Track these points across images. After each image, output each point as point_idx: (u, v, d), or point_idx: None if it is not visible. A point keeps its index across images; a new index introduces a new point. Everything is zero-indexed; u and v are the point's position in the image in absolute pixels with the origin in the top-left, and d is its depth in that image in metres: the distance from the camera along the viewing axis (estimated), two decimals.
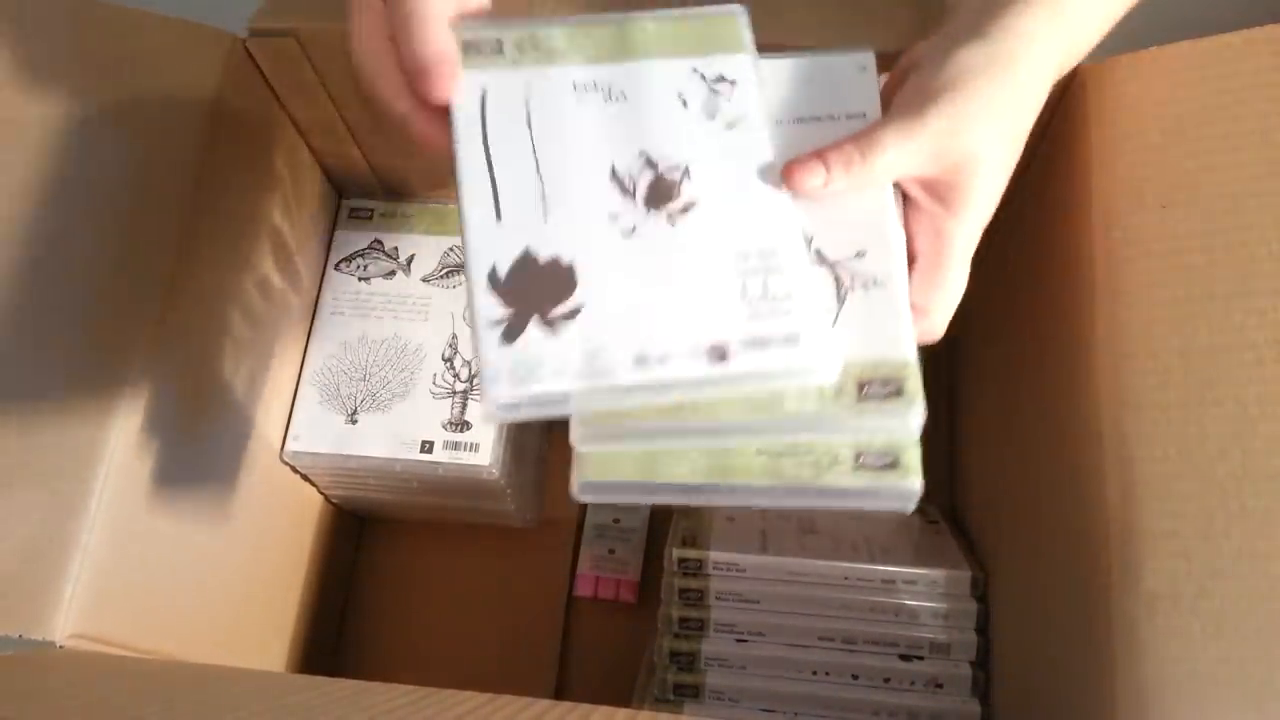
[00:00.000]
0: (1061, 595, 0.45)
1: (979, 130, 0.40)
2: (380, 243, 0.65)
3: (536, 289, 0.39)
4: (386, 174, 0.65)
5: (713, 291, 0.39)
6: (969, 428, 0.67)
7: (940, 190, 0.41)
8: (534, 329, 0.39)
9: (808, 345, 0.38)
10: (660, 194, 0.41)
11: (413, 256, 0.64)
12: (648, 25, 0.44)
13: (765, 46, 0.50)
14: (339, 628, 0.72)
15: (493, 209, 0.41)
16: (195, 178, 0.50)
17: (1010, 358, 0.58)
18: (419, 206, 0.66)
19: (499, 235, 0.40)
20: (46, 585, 0.42)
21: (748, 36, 0.44)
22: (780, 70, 0.46)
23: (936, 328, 0.43)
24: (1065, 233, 0.48)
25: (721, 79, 0.43)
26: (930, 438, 0.68)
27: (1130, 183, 0.44)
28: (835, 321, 0.41)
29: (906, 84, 0.42)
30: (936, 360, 0.71)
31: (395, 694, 0.39)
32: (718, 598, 0.58)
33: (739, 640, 0.58)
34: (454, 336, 0.62)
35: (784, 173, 0.41)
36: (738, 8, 0.45)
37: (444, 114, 0.41)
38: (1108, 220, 0.44)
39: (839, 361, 0.39)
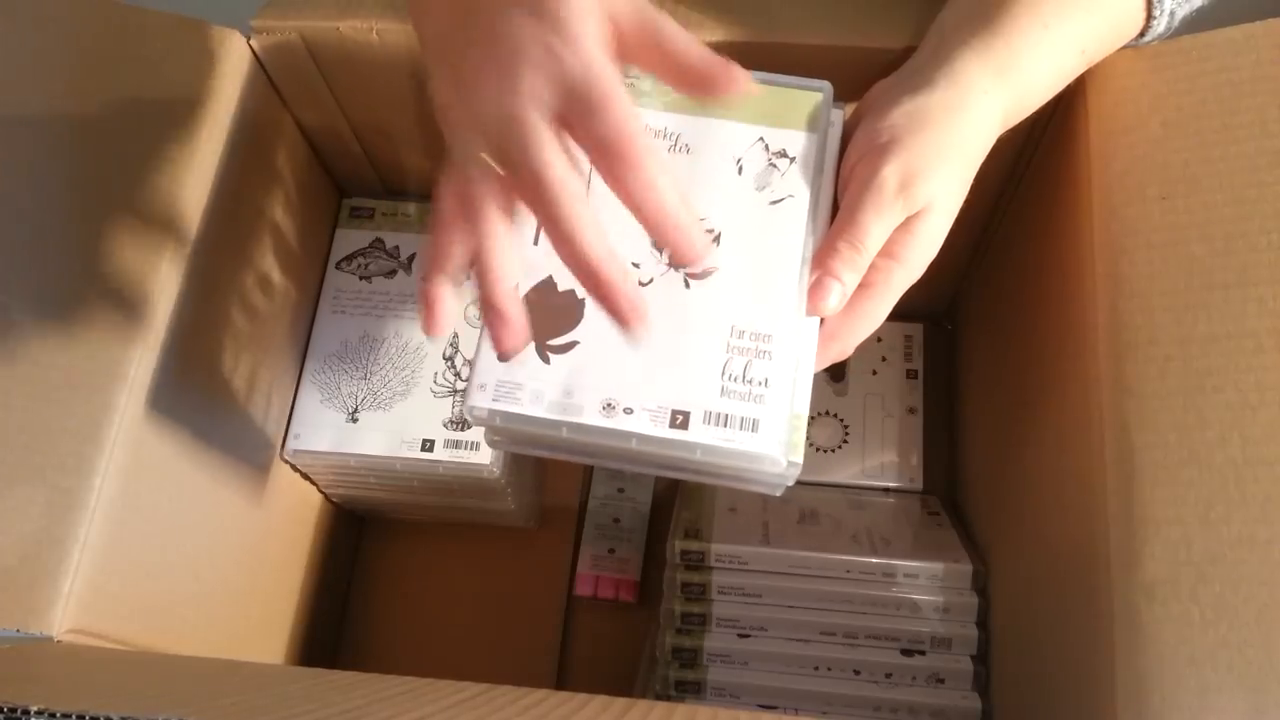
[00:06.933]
0: (1061, 582, 0.45)
1: (934, 180, 0.41)
2: (381, 242, 0.65)
3: (546, 316, 0.41)
4: (388, 173, 0.65)
5: (696, 361, 0.41)
6: (969, 418, 0.67)
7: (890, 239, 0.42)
8: (529, 354, 0.41)
9: (764, 433, 0.40)
10: None
11: (414, 255, 0.64)
12: None
13: (763, 45, 0.50)
14: (338, 627, 0.72)
15: (533, 232, 0.43)
16: (197, 174, 0.50)
17: (1010, 348, 0.58)
18: (420, 205, 0.66)
19: (529, 258, 0.42)
20: (45, 580, 0.42)
21: (825, 117, 0.45)
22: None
23: (847, 349, 0.43)
24: (1065, 223, 0.48)
25: (783, 154, 0.44)
26: (930, 428, 0.69)
27: (1130, 174, 0.44)
28: None
29: (857, 135, 0.43)
30: (936, 351, 0.72)
31: (392, 684, 0.39)
32: (720, 592, 0.58)
33: (741, 635, 0.58)
34: (454, 335, 0.62)
35: (808, 305, 0.41)
36: (825, 85, 0.45)
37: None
38: (1108, 211, 0.44)
39: (792, 456, 0.40)
